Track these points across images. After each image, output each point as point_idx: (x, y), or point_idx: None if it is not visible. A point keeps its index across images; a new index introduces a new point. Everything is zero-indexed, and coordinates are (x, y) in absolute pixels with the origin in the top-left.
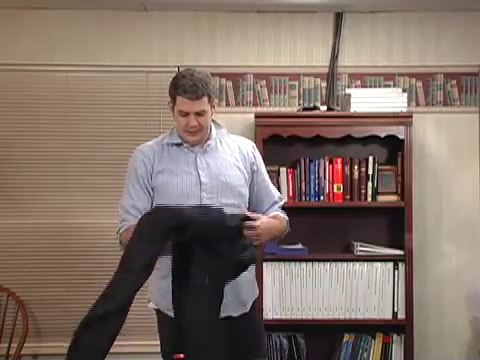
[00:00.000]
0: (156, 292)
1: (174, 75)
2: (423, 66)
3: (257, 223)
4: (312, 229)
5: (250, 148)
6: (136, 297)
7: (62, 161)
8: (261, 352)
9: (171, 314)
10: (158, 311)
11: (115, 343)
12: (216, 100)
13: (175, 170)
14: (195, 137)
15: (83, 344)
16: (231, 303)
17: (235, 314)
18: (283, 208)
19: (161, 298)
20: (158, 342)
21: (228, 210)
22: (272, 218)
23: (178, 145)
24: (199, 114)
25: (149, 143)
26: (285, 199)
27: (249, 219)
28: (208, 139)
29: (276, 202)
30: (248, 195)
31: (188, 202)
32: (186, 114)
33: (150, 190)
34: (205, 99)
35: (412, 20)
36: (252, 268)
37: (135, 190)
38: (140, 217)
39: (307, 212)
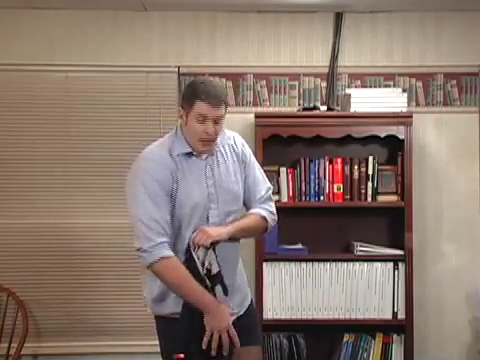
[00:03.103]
0: (172, 299)
1: (188, 84)
2: (423, 66)
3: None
4: (312, 229)
5: (241, 146)
6: (135, 298)
7: (62, 161)
8: (260, 339)
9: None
10: (163, 317)
11: (115, 343)
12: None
13: (189, 181)
14: (208, 147)
15: None
16: (239, 304)
17: (243, 311)
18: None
19: (176, 305)
20: (158, 342)
21: (231, 217)
22: (238, 223)
23: (188, 154)
24: (216, 122)
25: (159, 151)
26: (271, 187)
27: None
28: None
29: (261, 199)
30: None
31: (198, 213)
32: (204, 120)
33: (170, 202)
34: (223, 107)
35: (412, 20)
36: (239, 260)
37: (162, 201)
38: None
39: (307, 212)
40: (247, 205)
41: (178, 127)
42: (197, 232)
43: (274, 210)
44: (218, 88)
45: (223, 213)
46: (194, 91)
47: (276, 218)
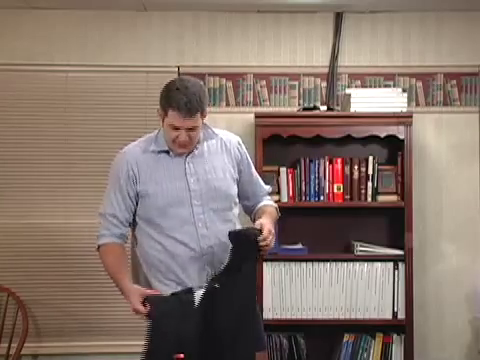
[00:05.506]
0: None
1: (166, 84)
2: (423, 66)
3: (269, 236)
4: (312, 229)
5: (236, 144)
6: None
7: (62, 161)
8: (264, 344)
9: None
10: None
11: (115, 343)
12: (208, 109)
13: (165, 178)
14: (183, 150)
15: None
16: None
17: None
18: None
19: None
20: None
21: (217, 215)
22: (268, 215)
23: (167, 152)
24: (190, 129)
25: (134, 148)
26: (270, 189)
27: (260, 231)
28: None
29: (265, 193)
30: (237, 192)
31: (179, 210)
32: (177, 129)
33: (132, 201)
34: (198, 115)
35: (412, 20)
36: None
37: (117, 199)
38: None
39: (307, 212)
40: (253, 199)
41: None
42: (267, 234)
43: None
44: (192, 97)
45: (209, 210)
46: (168, 98)
47: None
